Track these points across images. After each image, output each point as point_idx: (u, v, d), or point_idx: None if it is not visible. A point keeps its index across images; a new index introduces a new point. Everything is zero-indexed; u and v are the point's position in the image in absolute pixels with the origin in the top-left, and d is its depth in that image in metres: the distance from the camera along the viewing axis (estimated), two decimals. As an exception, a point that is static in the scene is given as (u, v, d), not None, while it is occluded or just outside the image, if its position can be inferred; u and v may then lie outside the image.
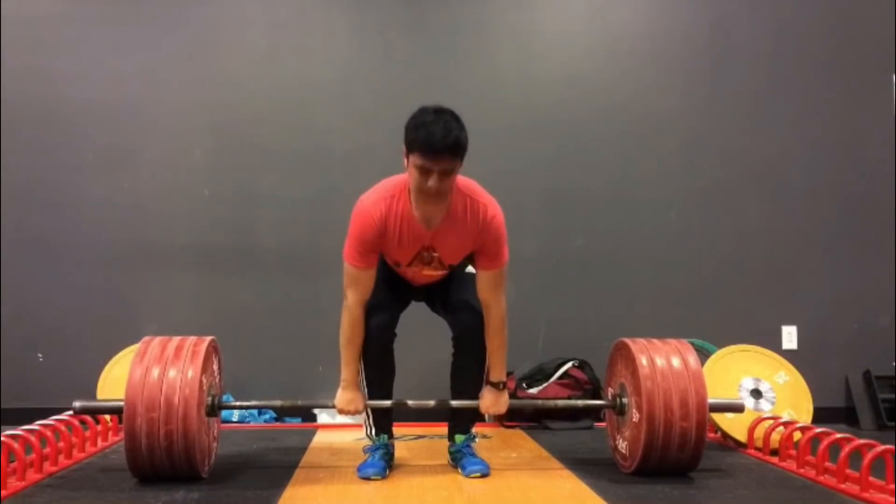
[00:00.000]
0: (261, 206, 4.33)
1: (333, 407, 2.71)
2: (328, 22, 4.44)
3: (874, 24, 4.48)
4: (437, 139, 2.38)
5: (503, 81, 4.40)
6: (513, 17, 4.48)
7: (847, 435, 2.74)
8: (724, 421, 3.31)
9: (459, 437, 2.83)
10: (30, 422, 2.84)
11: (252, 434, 3.65)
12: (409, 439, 3.37)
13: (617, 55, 4.46)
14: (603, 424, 3.85)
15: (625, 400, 2.79)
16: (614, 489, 2.54)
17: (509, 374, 3.95)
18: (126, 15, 4.34)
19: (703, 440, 2.65)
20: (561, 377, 3.94)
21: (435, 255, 2.64)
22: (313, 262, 4.22)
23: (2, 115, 4.21)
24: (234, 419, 4.09)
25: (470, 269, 2.75)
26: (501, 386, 2.73)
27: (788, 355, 3.71)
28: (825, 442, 2.72)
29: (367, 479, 2.65)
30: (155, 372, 2.52)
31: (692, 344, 4.21)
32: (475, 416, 2.88)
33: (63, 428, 2.88)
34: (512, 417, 3.86)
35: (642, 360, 2.68)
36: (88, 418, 3.13)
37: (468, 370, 2.77)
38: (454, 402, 2.74)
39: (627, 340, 2.80)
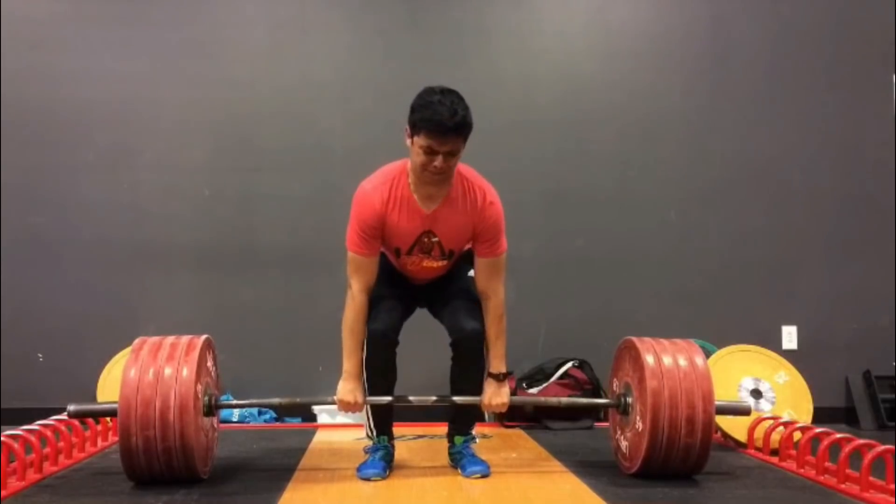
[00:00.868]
0: (261, 205, 4.33)
1: (333, 403, 2.68)
2: (328, 22, 4.44)
3: (874, 24, 4.47)
4: (443, 120, 2.39)
5: (503, 81, 4.39)
6: (513, 16, 4.48)
7: (847, 435, 2.74)
8: (725, 421, 3.31)
9: (459, 439, 2.83)
10: (30, 422, 2.84)
11: (252, 434, 3.65)
12: (409, 439, 3.37)
13: (617, 55, 4.46)
14: (603, 424, 3.86)
15: (629, 399, 2.75)
16: (614, 489, 2.54)
17: (509, 373, 3.95)
18: (127, 15, 4.34)
19: (707, 450, 2.62)
20: (561, 377, 3.94)
21: (435, 240, 2.62)
22: (313, 261, 4.22)
23: (2, 115, 4.21)
24: (234, 419, 4.09)
25: (471, 273, 2.74)
26: (501, 377, 2.70)
27: (788, 355, 3.71)
28: (825, 442, 2.72)
29: (367, 479, 2.65)
30: (149, 373, 2.48)
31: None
32: (475, 417, 2.89)
33: (63, 428, 2.88)
34: (512, 417, 3.86)
35: (649, 363, 2.63)
36: (88, 418, 3.13)
37: (469, 375, 2.75)
38: (456, 398, 2.72)
39: (635, 339, 2.74)
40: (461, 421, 2.85)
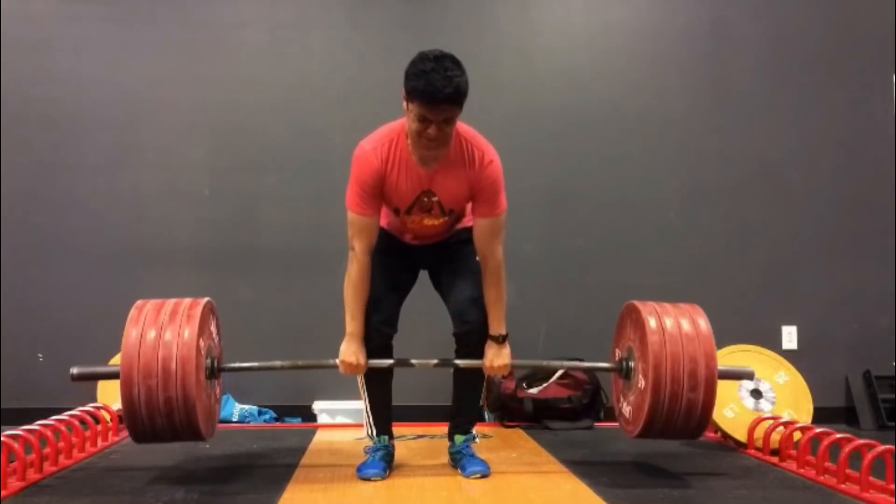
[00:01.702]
0: (261, 206, 4.33)
1: (336, 366, 2.66)
2: (328, 22, 4.44)
3: (874, 24, 4.47)
4: (437, 89, 2.36)
5: (503, 81, 4.39)
6: (513, 16, 4.48)
7: (847, 435, 2.74)
8: (725, 421, 3.31)
9: (459, 438, 2.83)
10: (30, 422, 2.84)
11: (252, 434, 3.65)
12: (409, 439, 3.37)
13: (617, 55, 4.46)
14: (603, 424, 3.86)
15: (631, 364, 2.72)
16: (614, 489, 2.54)
17: (509, 373, 3.96)
18: (126, 15, 4.34)
19: (709, 410, 2.57)
20: (561, 377, 3.94)
21: (434, 199, 2.61)
22: (313, 261, 4.22)
23: (2, 115, 4.21)
24: (234, 419, 4.09)
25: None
26: (502, 339, 2.68)
27: (788, 355, 3.71)
28: (825, 442, 2.72)
29: (367, 479, 2.65)
30: (150, 335, 2.44)
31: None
32: (475, 415, 2.89)
33: (63, 428, 2.88)
34: (512, 417, 3.86)
35: (651, 324, 2.59)
36: (88, 418, 3.14)
37: (474, 370, 2.76)
38: (458, 361, 2.69)
39: (637, 303, 2.71)
40: (461, 418, 2.85)
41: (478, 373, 2.78)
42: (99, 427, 3.20)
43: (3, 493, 2.40)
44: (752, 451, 3.17)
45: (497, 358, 2.66)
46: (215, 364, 2.68)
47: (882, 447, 2.48)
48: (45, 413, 3.09)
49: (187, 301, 2.57)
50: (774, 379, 3.44)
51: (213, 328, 2.73)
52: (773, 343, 4.09)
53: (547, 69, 4.44)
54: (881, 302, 4.37)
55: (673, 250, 4.38)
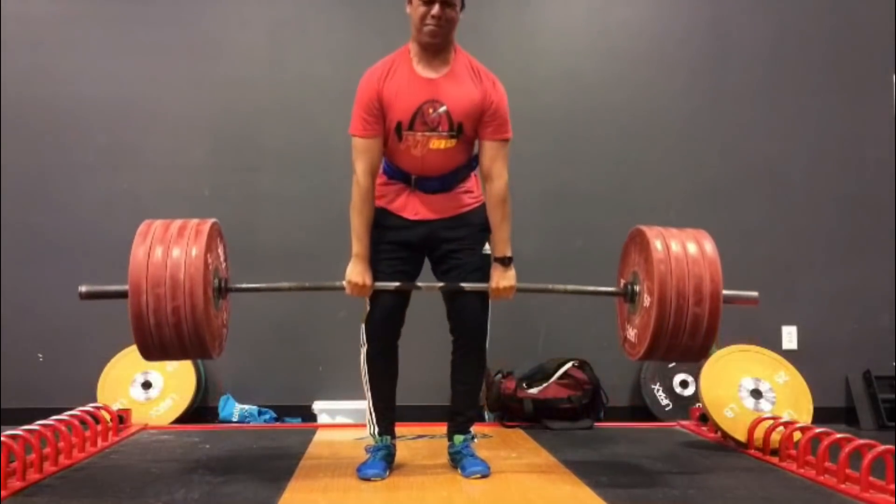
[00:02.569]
0: (261, 205, 4.33)
1: (343, 288, 2.66)
2: (328, 22, 4.44)
3: (874, 24, 4.47)
4: None
5: (502, 81, 4.36)
6: (513, 16, 4.48)
7: (847, 435, 2.74)
8: (725, 421, 3.31)
9: (459, 438, 2.83)
10: (30, 422, 2.84)
11: (252, 434, 3.65)
12: (409, 439, 3.37)
13: (617, 55, 4.46)
14: (603, 424, 3.86)
15: (636, 287, 2.71)
16: (614, 489, 2.54)
17: (509, 373, 3.97)
18: (126, 15, 4.34)
19: (715, 329, 2.56)
20: (561, 377, 3.94)
21: (441, 109, 2.62)
22: (313, 261, 4.21)
23: (2, 115, 4.21)
24: (234, 419, 4.09)
25: (487, 248, 2.73)
26: (507, 261, 2.69)
27: (788, 355, 3.71)
28: (825, 442, 2.72)
29: (367, 479, 2.65)
30: (158, 251, 2.45)
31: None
32: (475, 413, 2.89)
33: (63, 428, 2.88)
34: (512, 417, 3.86)
35: (657, 245, 2.59)
36: (88, 418, 3.14)
37: (468, 367, 2.80)
38: (465, 285, 2.68)
39: (643, 227, 2.71)
40: (461, 417, 2.84)
41: (477, 371, 2.81)
42: (99, 427, 3.19)
43: (4, 493, 2.40)
44: (752, 451, 3.17)
45: (503, 279, 2.68)
46: (222, 284, 2.71)
47: (882, 447, 2.48)
48: (45, 413, 3.09)
49: (194, 220, 2.59)
50: (774, 379, 3.44)
51: (219, 250, 2.75)
52: (773, 343, 4.09)
53: (547, 70, 4.44)
54: (881, 302, 4.37)
55: (673, 250, 4.37)
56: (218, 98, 4.34)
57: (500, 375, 3.95)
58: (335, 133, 4.32)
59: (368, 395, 2.81)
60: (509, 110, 2.76)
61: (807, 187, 4.44)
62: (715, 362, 3.48)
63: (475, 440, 2.87)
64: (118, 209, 4.27)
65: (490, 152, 2.68)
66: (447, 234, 2.73)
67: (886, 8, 4.45)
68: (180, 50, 4.35)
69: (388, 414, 2.82)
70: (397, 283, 2.67)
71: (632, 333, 2.75)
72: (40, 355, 4.20)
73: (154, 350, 2.49)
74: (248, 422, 4.08)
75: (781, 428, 3.03)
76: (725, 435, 3.34)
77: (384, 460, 2.75)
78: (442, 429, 2.93)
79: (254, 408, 4.15)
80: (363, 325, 2.77)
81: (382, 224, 2.71)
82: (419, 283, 2.70)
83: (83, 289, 2.66)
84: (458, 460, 2.79)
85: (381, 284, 2.65)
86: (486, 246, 2.74)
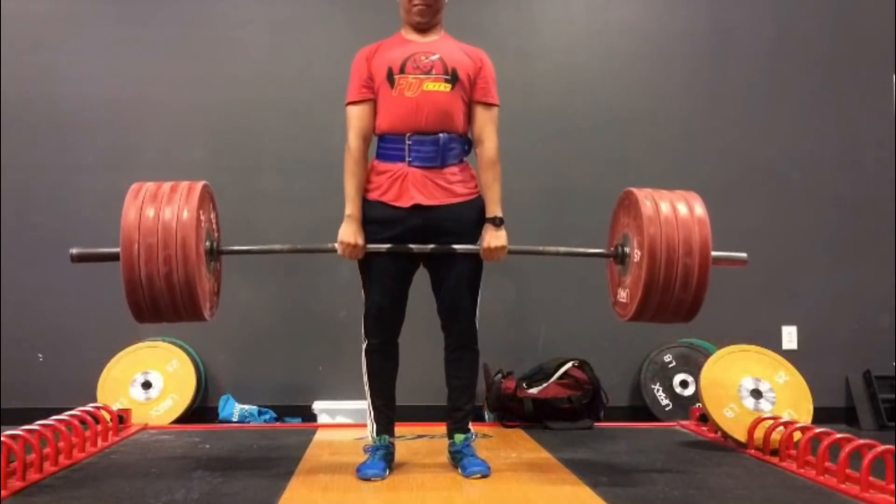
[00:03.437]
0: (261, 206, 4.33)
1: (335, 250, 2.69)
2: (328, 22, 4.44)
3: (874, 24, 4.48)
4: None
5: (503, 81, 4.33)
6: (513, 16, 4.48)
7: (847, 435, 2.74)
8: (725, 421, 3.31)
9: (459, 437, 2.83)
10: (30, 422, 2.84)
11: (252, 434, 3.65)
12: (409, 439, 3.37)
13: (617, 55, 4.46)
14: (603, 424, 3.86)
15: (626, 249, 2.74)
16: (614, 489, 2.54)
17: (509, 373, 3.96)
18: (126, 15, 4.34)
19: (705, 281, 2.57)
20: (561, 377, 3.93)
21: (433, 57, 2.72)
22: (313, 262, 4.20)
23: (2, 115, 4.21)
24: (234, 419, 4.09)
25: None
26: (498, 222, 2.72)
27: (788, 355, 3.70)
28: (825, 442, 2.72)
29: (367, 479, 2.65)
30: (150, 211, 2.45)
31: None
32: (473, 409, 2.89)
33: (63, 428, 2.88)
34: (512, 417, 3.86)
35: (646, 204, 2.62)
36: (88, 418, 3.14)
37: (462, 364, 2.83)
38: (457, 247, 2.69)
39: (633, 189, 2.74)
40: (458, 413, 2.84)
41: (472, 365, 2.83)
42: (99, 427, 3.19)
43: (4, 493, 2.40)
44: (752, 451, 3.17)
45: (494, 239, 2.70)
46: (215, 245, 2.72)
47: (882, 447, 2.48)
48: (45, 413, 3.08)
49: (185, 183, 2.59)
50: (774, 379, 3.43)
51: (211, 213, 2.75)
52: (773, 343, 4.09)
53: (547, 69, 4.44)
54: (881, 302, 4.37)
55: (673, 250, 4.37)
56: (218, 98, 4.34)
57: (500, 375, 3.95)
58: (335, 133, 4.33)
59: (368, 392, 2.83)
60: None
61: (807, 187, 4.44)
62: (715, 362, 3.48)
63: (475, 439, 2.87)
64: (118, 209, 4.24)
65: (480, 117, 2.76)
66: (442, 226, 2.71)
67: (886, 8, 4.45)
68: (180, 50, 4.35)
69: (387, 412, 2.82)
70: (389, 245, 2.68)
71: (623, 294, 2.76)
72: (40, 355, 4.20)
73: (146, 311, 2.48)
74: (248, 422, 4.08)
75: (781, 428, 3.03)
76: (725, 435, 3.34)
77: (383, 460, 2.75)
78: (442, 429, 2.93)
79: (254, 408, 4.15)
80: (363, 322, 2.79)
81: (376, 220, 2.71)
82: (412, 245, 2.69)
83: (74, 251, 2.68)
84: (459, 460, 2.79)
85: (372, 247, 2.68)
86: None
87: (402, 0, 2.77)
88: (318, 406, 4.11)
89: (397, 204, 2.71)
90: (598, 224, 4.36)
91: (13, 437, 2.58)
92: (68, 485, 2.60)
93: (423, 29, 2.77)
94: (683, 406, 4.10)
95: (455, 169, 2.74)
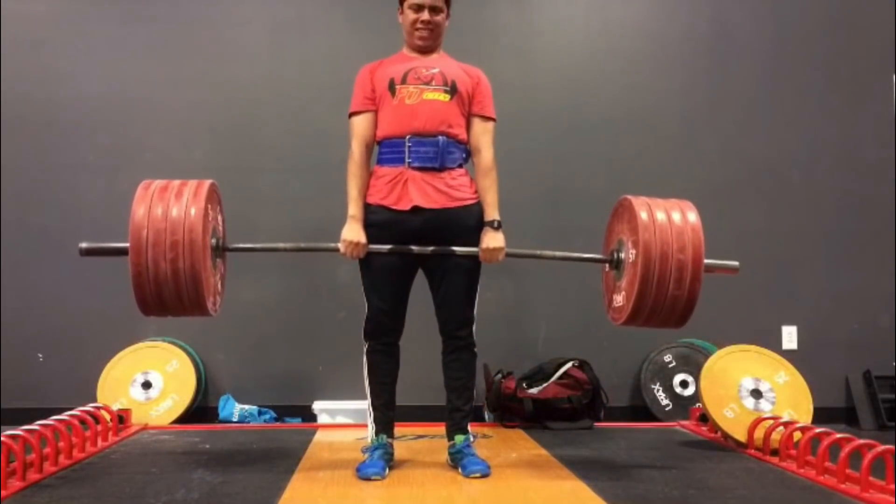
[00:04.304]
0: (261, 206, 4.32)
1: (337, 249, 2.71)
2: (328, 22, 4.45)
3: (874, 24, 4.48)
4: None
5: (502, 81, 4.31)
6: (513, 16, 4.49)
7: (847, 435, 2.74)
8: (725, 421, 3.31)
9: (460, 438, 2.83)
10: (30, 422, 2.84)
11: (252, 434, 3.65)
12: (410, 439, 3.37)
13: (616, 55, 4.46)
14: (603, 424, 3.86)
15: (621, 255, 2.79)
16: (614, 489, 2.54)
17: (509, 373, 3.96)
18: (126, 15, 4.34)
19: (698, 279, 2.63)
20: (561, 377, 3.93)
21: (433, 70, 2.80)
22: (313, 262, 4.21)
23: (2, 115, 4.21)
24: (234, 419, 4.09)
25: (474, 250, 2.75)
26: (496, 225, 2.76)
27: (788, 355, 3.70)
28: (825, 442, 2.72)
29: (367, 479, 2.66)
30: (158, 208, 2.52)
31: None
32: (471, 409, 2.90)
33: (63, 428, 2.88)
34: (512, 417, 3.86)
35: (641, 210, 2.69)
36: (88, 418, 3.14)
37: (460, 363, 2.84)
38: (457, 249, 2.72)
39: (629, 196, 2.81)
40: (458, 414, 2.85)
41: (470, 365, 2.85)
42: (99, 427, 3.19)
43: (3, 493, 2.40)
44: (752, 451, 3.17)
45: (492, 241, 2.74)
46: (220, 243, 2.77)
47: (882, 447, 2.48)
48: (45, 413, 3.09)
49: (193, 181, 2.66)
50: (774, 379, 3.44)
51: (218, 211, 2.81)
52: (773, 343, 4.09)
53: (546, 69, 4.44)
54: (881, 302, 4.37)
55: (673, 250, 4.37)
56: (218, 98, 4.34)
57: (500, 375, 3.95)
58: (335, 133, 4.33)
59: (368, 392, 2.85)
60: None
61: (807, 187, 4.44)
62: (715, 362, 3.48)
63: (475, 439, 2.87)
64: (118, 209, 4.25)
65: (477, 128, 2.83)
66: (441, 229, 2.73)
67: (886, 8, 4.45)
68: (180, 49, 4.35)
69: (386, 413, 2.84)
70: (390, 246, 2.72)
71: (618, 298, 2.81)
72: (40, 355, 4.20)
73: (152, 304, 2.55)
74: (248, 422, 4.08)
75: (781, 428, 3.03)
76: (725, 435, 3.34)
77: (382, 459, 2.75)
78: (442, 429, 2.93)
79: (254, 408, 4.15)
80: (364, 325, 2.84)
81: (376, 223, 2.74)
82: (413, 247, 2.71)
83: (83, 245, 2.72)
84: (459, 459, 2.79)
85: (374, 247, 2.71)
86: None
87: (404, 22, 2.86)
88: (318, 406, 4.11)
89: (397, 207, 2.74)
90: (598, 224, 4.36)
91: (13, 437, 2.58)
92: (68, 485, 2.60)
93: (424, 51, 2.86)
94: (683, 406, 4.09)
95: (454, 173, 2.78)
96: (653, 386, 4.24)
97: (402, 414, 2.91)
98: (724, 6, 4.51)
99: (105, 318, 4.19)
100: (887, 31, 4.44)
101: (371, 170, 2.82)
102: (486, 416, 4.00)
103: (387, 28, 4.45)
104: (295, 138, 4.35)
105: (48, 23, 4.31)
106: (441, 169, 2.74)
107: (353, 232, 2.71)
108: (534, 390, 3.89)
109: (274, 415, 4.17)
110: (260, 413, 4.14)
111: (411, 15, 2.81)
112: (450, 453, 2.86)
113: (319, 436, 3.58)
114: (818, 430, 2.85)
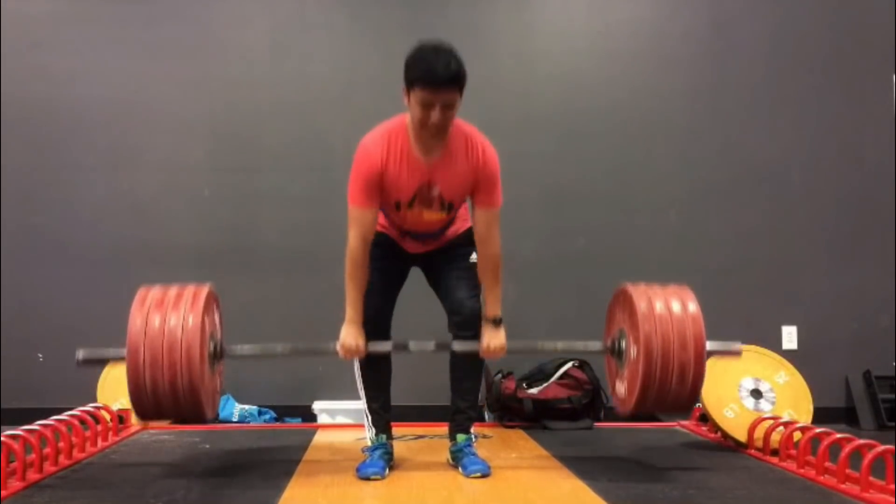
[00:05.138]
0: (261, 206, 4.33)
1: (336, 352, 2.70)
2: (328, 22, 4.44)
3: (874, 24, 4.48)
4: (438, 72, 2.43)
5: (503, 81, 4.39)
6: (513, 16, 4.49)
7: (847, 435, 2.74)
8: (725, 421, 3.31)
9: (461, 437, 2.83)
10: (30, 422, 2.83)
11: (252, 434, 3.65)
12: (410, 439, 3.37)
13: (616, 55, 4.46)
14: (603, 424, 3.86)
15: (623, 344, 2.77)
16: (614, 489, 2.54)
17: (509, 373, 3.96)
18: (126, 15, 4.34)
19: (701, 373, 2.61)
20: (561, 377, 3.93)
21: (435, 191, 2.65)
22: (313, 261, 4.22)
23: (2, 115, 4.21)
24: (234, 419, 4.09)
25: (474, 257, 2.77)
26: (498, 321, 2.73)
27: (788, 355, 3.70)
28: (825, 442, 2.71)
29: (367, 478, 2.65)
30: (156, 318, 2.50)
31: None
32: (475, 413, 2.89)
33: (63, 428, 2.88)
34: (512, 417, 3.86)
35: (641, 303, 2.66)
36: (88, 418, 3.14)
37: (468, 363, 2.81)
38: (456, 345, 2.73)
39: (627, 285, 2.77)
40: (461, 416, 2.84)
41: (475, 369, 2.83)
42: (99, 427, 3.19)
43: (3, 493, 2.39)
44: (752, 451, 3.17)
45: (493, 339, 2.70)
46: (217, 348, 2.74)
47: (882, 447, 2.48)
48: (45, 413, 3.08)
49: (191, 287, 2.64)
50: (774, 379, 3.43)
51: (215, 314, 2.79)
52: (773, 343, 4.08)
53: (547, 69, 4.44)
54: (881, 302, 4.37)
55: (673, 250, 4.38)
56: (218, 98, 4.34)
57: (500, 375, 3.95)
58: (335, 133, 4.35)
59: (363, 396, 2.84)
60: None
61: (807, 187, 4.44)
62: (715, 362, 3.46)
63: (476, 439, 2.87)
64: (118, 209, 4.27)
65: (482, 218, 2.70)
66: (437, 252, 2.84)
67: (886, 8, 4.45)
68: (180, 50, 4.35)
69: (383, 414, 2.83)
70: (389, 346, 2.73)
71: (621, 387, 2.79)
72: (40, 355, 4.20)
73: (150, 413, 2.58)
74: (248, 422, 4.08)
75: (781, 428, 3.03)
76: (725, 435, 3.34)
77: (382, 459, 2.75)
78: (442, 429, 2.93)
79: (254, 408, 4.15)
80: None
81: (379, 244, 2.74)
82: (410, 343, 2.73)
83: (81, 355, 2.74)
84: (459, 459, 2.79)
85: (374, 345, 2.69)
86: (473, 256, 2.79)
87: (411, 112, 2.55)
88: (318, 406, 4.11)
89: (398, 243, 2.83)
90: (598, 225, 4.40)
91: (13, 437, 2.58)
92: (68, 485, 2.60)
93: (432, 146, 2.62)
94: (683, 406, 4.09)
95: (452, 229, 2.84)
96: (653, 386, 4.23)
97: (402, 414, 2.91)
98: (724, 6, 4.51)
99: (105, 318, 4.15)
100: (887, 31, 4.44)
101: None
102: (486, 416, 4.00)
103: (386, 29, 4.48)
104: (295, 138, 4.35)
105: (48, 23, 4.31)
106: (439, 239, 2.83)
107: (352, 336, 2.67)
108: (534, 390, 3.89)
109: (274, 415, 4.17)
110: (260, 413, 4.14)
111: (419, 111, 2.49)
112: (450, 452, 2.86)
113: (319, 436, 3.58)
114: (818, 430, 2.85)
